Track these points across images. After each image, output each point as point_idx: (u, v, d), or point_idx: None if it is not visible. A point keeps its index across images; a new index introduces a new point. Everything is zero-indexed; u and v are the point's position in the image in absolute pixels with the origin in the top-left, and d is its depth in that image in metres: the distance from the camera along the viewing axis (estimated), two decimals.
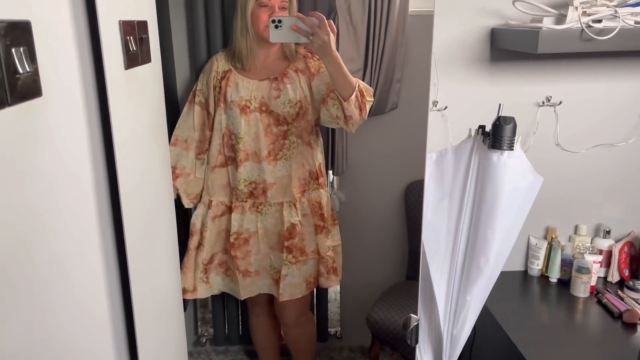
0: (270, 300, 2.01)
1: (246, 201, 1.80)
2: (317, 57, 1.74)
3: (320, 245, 1.87)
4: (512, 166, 1.17)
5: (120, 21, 1.05)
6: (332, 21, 1.44)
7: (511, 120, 1.15)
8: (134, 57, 1.14)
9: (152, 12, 1.32)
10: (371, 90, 1.68)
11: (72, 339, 0.86)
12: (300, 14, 1.45)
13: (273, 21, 1.44)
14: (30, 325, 0.73)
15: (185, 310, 2.21)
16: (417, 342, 1.19)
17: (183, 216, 2.09)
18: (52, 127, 0.78)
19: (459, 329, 1.24)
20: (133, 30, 1.13)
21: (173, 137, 1.79)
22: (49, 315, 0.78)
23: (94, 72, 0.94)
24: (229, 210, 1.82)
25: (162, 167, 1.40)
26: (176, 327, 1.54)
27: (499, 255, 1.22)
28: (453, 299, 1.25)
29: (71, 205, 0.85)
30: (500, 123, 1.15)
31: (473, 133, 1.23)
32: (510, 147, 1.15)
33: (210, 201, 1.84)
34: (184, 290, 1.91)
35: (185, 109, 1.81)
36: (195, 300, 2.38)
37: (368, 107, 1.65)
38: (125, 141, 1.06)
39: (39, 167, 0.74)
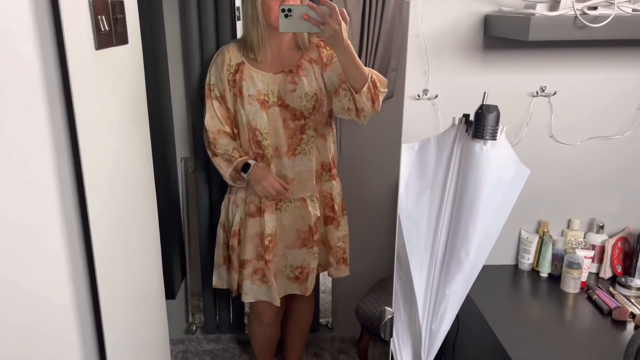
0: (279, 310, 1.97)
1: (273, 199, 1.76)
2: (329, 47, 1.69)
3: (329, 236, 1.85)
4: (495, 157, 1.14)
5: (90, 0, 1.02)
6: (344, 10, 1.39)
7: (494, 109, 1.11)
8: (106, 38, 1.11)
9: None
10: (385, 80, 1.62)
11: (29, 327, 0.84)
12: (311, 2, 1.41)
13: (283, 10, 1.39)
14: None
15: (174, 298, 2.20)
16: (391, 335, 1.17)
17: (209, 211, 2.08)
18: (4, 105, 0.75)
19: (438, 324, 1.21)
20: (106, 9, 1.10)
21: (210, 133, 1.74)
22: (3, 301, 0.76)
23: (56, 51, 0.91)
24: (259, 211, 1.78)
25: (142, 150, 1.37)
26: (156, 314, 1.52)
27: (480, 249, 1.18)
28: (432, 293, 1.22)
29: (26, 192, 0.83)
30: (483, 111, 1.11)
31: (457, 122, 1.19)
32: (493, 137, 1.11)
33: (247, 198, 1.80)
34: (233, 289, 1.90)
35: (207, 104, 1.74)
36: (186, 288, 2.36)
37: (381, 99, 1.59)
38: (93, 123, 1.03)
39: None
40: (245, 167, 1.69)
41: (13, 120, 0.78)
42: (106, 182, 1.11)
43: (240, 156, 1.71)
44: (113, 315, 1.11)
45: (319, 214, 1.79)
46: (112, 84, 1.17)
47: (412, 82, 1.58)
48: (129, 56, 1.27)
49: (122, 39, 1.20)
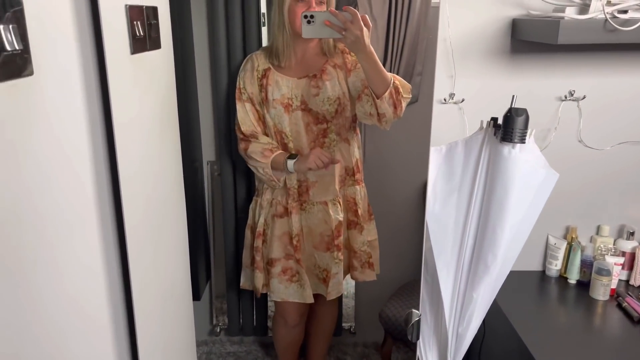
0: (304, 312, 1.99)
1: (297, 200, 1.79)
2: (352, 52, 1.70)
3: (352, 240, 1.86)
4: (524, 160, 1.13)
5: (126, 5, 1.05)
6: (366, 16, 1.40)
7: (523, 112, 1.10)
8: (141, 43, 1.14)
9: None
10: (409, 86, 1.62)
11: (65, 323, 0.87)
12: (333, 9, 1.43)
13: (305, 17, 1.42)
14: (21, 309, 0.73)
15: (199, 299, 2.23)
16: (418, 337, 1.17)
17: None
18: (47, 107, 0.78)
19: (465, 327, 1.21)
20: (141, 16, 1.13)
21: (243, 137, 1.76)
22: (40, 298, 0.78)
23: (96, 55, 0.95)
24: (286, 211, 1.81)
25: (172, 153, 1.40)
26: (183, 315, 1.54)
27: (508, 253, 1.17)
28: (459, 296, 1.22)
29: (66, 190, 0.86)
30: (512, 115, 1.11)
31: (484, 125, 1.19)
32: (522, 140, 1.11)
33: (272, 199, 1.83)
34: (257, 289, 1.91)
35: (238, 107, 1.77)
36: (210, 290, 2.39)
37: (404, 104, 1.59)
38: (128, 124, 1.06)
39: (32, 147, 0.74)
40: (292, 156, 1.71)
41: (56, 123, 0.81)
42: (140, 183, 1.14)
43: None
44: (145, 314, 1.14)
45: (340, 218, 1.79)
46: (146, 88, 1.20)
47: (439, 86, 1.58)
48: (161, 60, 1.30)
49: (156, 44, 1.24)
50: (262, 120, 1.76)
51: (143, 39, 1.15)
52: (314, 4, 1.59)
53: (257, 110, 1.76)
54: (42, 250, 0.78)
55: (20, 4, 0.69)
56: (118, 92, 0.98)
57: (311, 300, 1.84)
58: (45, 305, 0.80)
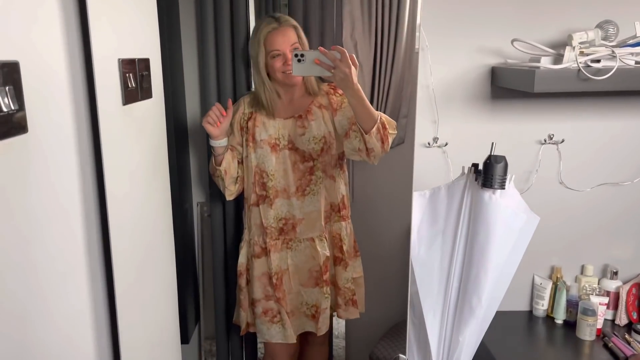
0: (293, 353, 1.98)
1: (278, 239, 1.81)
2: (339, 92, 1.77)
3: (337, 277, 1.87)
4: (505, 205, 1.16)
5: (119, 59, 1.10)
6: (353, 55, 1.46)
7: (502, 159, 1.14)
8: (133, 94, 1.18)
9: (156, 49, 1.37)
10: (394, 123, 1.67)
11: None
12: (322, 48, 1.48)
13: (296, 55, 1.48)
14: (13, 354, 0.74)
15: (188, 342, 2.20)
16: None
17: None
18: (40, 162, 0.81)
19: None
20: (133, 68, 1.18)
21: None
22: (31, 344, 0.79)
23: (88, 108, 0.98)
24: (265, 251, 1.83)
25: (162, 199, 1.43)
26: (172, 359, 1.53)
27: (492, 295, 1.19)
28: (446, 339, 1.23)
29: (58, 240, 0.87)
30: (491, 162, 1.15)
31: (466, 171, 1.23)
32: (502, 186, 1.15)
33: (250, 239, 1.86)
34: (242, 327, 1.93)
35: None
36: (199, 332, 2.37)
37: (391, 140, 1.65)
38: (119, 173, 1.09)
39: (25, 201, 0.77)
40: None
41: (49, 177, 0.84)
42: (130, 231, 1.15)
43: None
44: (132, 359, 1.14)
45: (327, 254, 1.81)
46: (137, 136, 1.23)
47: (423, 131, 1.63)
48: (153, 109, 1.33)
49: (147, 94, 1.28)
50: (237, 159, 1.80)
51: (135, 89, 1.19)
52: (289, 57, 1.66)
53: (233, 148, 1.80)
54: (34, 298, 0.80)
55: (16, 65, 0.73)
56: (109, 143, 1.01)
57: (293, 340, 1.84)
58: (36, 350, 0.80)
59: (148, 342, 1.31)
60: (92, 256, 0.99)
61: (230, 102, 1.74)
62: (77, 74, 0.94)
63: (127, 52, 1.15)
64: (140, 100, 1.22)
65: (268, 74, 1.72)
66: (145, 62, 1.25)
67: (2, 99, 0.68)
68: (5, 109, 0.68)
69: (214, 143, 1.73)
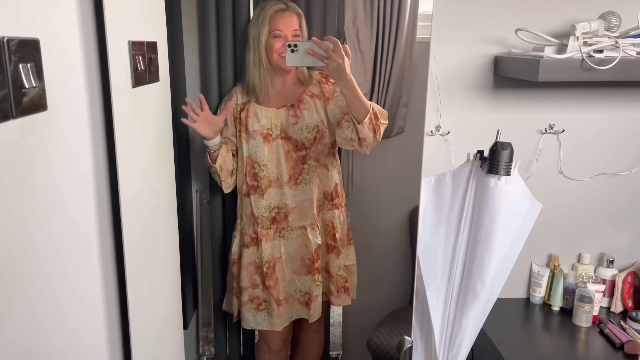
0: (287, 337, 2.01)
1: (270, 228, 1.83)
2: (331, 81, 1.78)
3: (330, 264, 1.89)
4: (510, 191, 1.18)
5: (129, 41, 1.09)
6: (346, 45, 1.47)
7: (508, 145, 1.16)
8: (142, 76, 1.18)
9: (162, 33, 1.36)
10: (385, 113, 1.70)
11: (67, 352, 0.88)
12: (315, 38, 1.49)
13: (289, 45, 1.48)
14: (26, 340, 0.74)
15: (186, 328, 2.21)
16: None
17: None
18: (56, 140, 0.81)
19: (455, 354, 1.23)
20: (142, 51, 1.18)
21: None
22: (43, 329, 0.80)
23: (101, 89, 0.98)
24: (255, 241, 1.85)
25: (168, 182, 1.43)
26: (175, 344, 1.54)
27: (495, 280, 1.21)
28: (449, 323, 1.25)
29: (72, 218, 0.88)
30: (497, 148, 1.16)
31: (471, 158, 1.25)
32: (507, 173, 1.16)
33: (242, 229, 1.87)
34: (233, 314, 1.96)
35: None
36: (197, 319, 2.38)
37: (382, 130, 1.67)
38: (130, 156, 1.09)
39: (41, 178, 0.77)
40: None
41: (66, 155, 0.84)
42: (139, 212, 1.16)
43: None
44: (140, 343, 1.15)
45: (319, 242, 1.83)
46: (145, 119, 1.23)
47: (426, 119, 1.64)
48: (159, 93, 1.33)
49: (155, 77, 1.28)
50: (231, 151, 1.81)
51: (143, 72, 1.18)
52: (290, 38, 1.66)
53: (228, 140, 1.80)
54: (46, 280, 0.80)
55: (37, 42, 0.72)
56: (121, 124, 1.01)
57: (279, 328, 1.87)
58: (48, 335, 0.81)
59: (155, 325, 1.32)
60: (103, 236, 1.00)
61: (202, 97, 1.74)
62: (90, 55, 0.93)
63: (137, 35, 1.15)
64: (148, 83, 1.22)
65: (268, 56, 1.72)
66: (153, 45, 1.25)
67: (25, 75, 0.68)
68: (27, 85, 0.68)
69: (209, 143, 1.74)
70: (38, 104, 0.72)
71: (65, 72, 0.84)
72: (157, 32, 1.31)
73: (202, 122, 1.69)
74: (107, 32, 0.93)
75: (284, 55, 1.69)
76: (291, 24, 1.69)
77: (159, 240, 1.36)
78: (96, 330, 0.99)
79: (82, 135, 0.91)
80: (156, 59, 1.28)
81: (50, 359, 0.82)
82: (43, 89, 0.73)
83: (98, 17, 0.95)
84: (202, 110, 1.70)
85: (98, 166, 0.97)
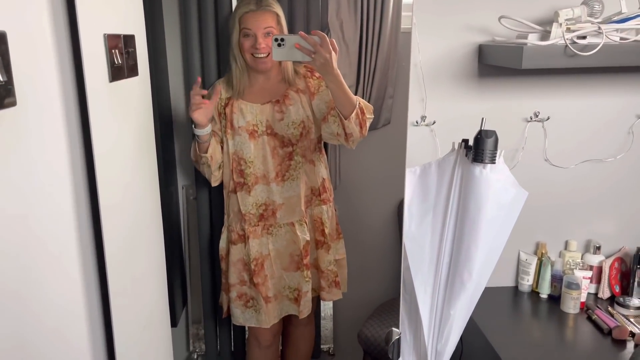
0: (277, 332, 2.00)
1: (257, 225, 1.81)
2: (316, 75, 1.76)
3: (320, 260, 1.88)
4: (495, 180, 1.18)
5: (105, 34, 1.07)
6: (334, 40, 1.45)
7: (492, 133, 1.15)
8: (120, 71, 1.15)
9: (141, 26, 1.34)
10: (371, 107, 1.70)
11: (48, 352, 0.86)
12: (302, 32, 1.47)
13: (276, 39, 1.46)
14: (6, 339, 0.72)
15: (176, 325, 2.20)
16: (399, 356, 1.18)
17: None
18: (28, 136, 0.79)
19: (443, 344, 1.23)
20: (119, 44, 1.15)
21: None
22: (24, 329, 0.78)
23: (75, 84, 0.95)
24: (243, 238, 1.83)
25: (150, 178, 1.41)
26: (162, 342, 1.52)
27: (482, 269, 1.21)
28: (437, 313, 1.24)
29: (47, 217, 0.85)
30: (482, 136, 1.15)
31: (456, 147, 1.24)
32: (492, 161, 1.16)
33: (230, 226, 1.86)
34: (223, 309, 1.96)
35: None
36: (187, 316, 2.36)
37: (368, 124, 1.67)
38: (108, 152, 1.07)
39: (13, 176, 0.75)
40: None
41: (38, 151, 0.82)
42: (119, 210, 1.13)
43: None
44: (124, 342, 1.13)
45: (308, 238, 1.82)
46: (124, 114, 1.21)
47: (411, 109, 1.63)
48: (139, 87, 1.31)
49: (133, 71, 1.25)
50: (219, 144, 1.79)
51: (121, 66, 1.16)
52: (260, 37, 1.65)
53: (215, 134, 1.78)
54: (21, 278, 0.78)
55: (3, 35, 0.70)
56: (97, 120, 0.99)
57: (267, 325, 1.86)
58: (25, 334, 0.79)
59: (139, 324, 1.30)
60: (82, 234, 0.98)
61: (199, 80, 1.70)
62: (63, 48, 0.91)
63: (113, 28, 1.12)
64: (126, 77, 1.19)
65: (242, 55, 1.71)
66: (130, 39, 1.22)
67: None
68: None
69: (201, 131, 1.70)
70: (6, 100, 0.70)
71: (36, 66, 0.82)
72: (135, 25, 1.29)
73: (196, 108, 1.65)
74: (79, 24, 0.91)
75: (257, 55, 1.68)
76: (262, 21, 1.67)
77: (143, 237, 1.34)
78: (77, 328, 0.97)
79: (57, 131, 0.89)
80: (134, 52, 1.25)
81: (32, 358, 0.80)
82: (11, 84, 0.71)
83: (70, 9, 0.92)
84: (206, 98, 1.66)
85: (75, 162, 0.95)
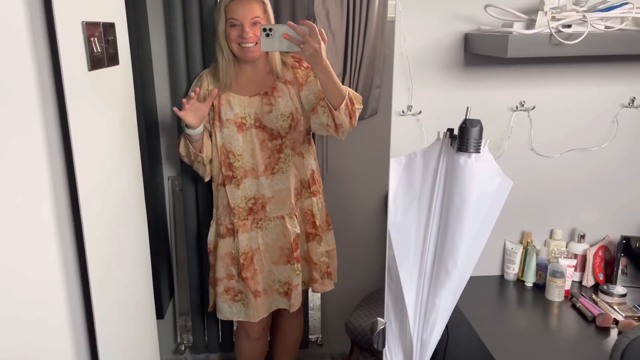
0: (266, 324, 1.99)
1: (247, 218, 1.79)
2: (304, 65, 1.74)
3: (312, 252, 1.87)
4: (480, 169, 1.17)
5: (83, 22, 1.05)
6: (322, 30, 1.44)
7: (477, 122, 1.15)
8: (99, 59, 1.13)
9: (122, 14, 1.31)
10: (360, 97, 1.68)
11: (27, 347, 0.85)
12: (291, 22, 1.45)
13: (264, 29, 1.44)
14: None
15: (163, 317, 2.19)
16: (383, 345, 1.18)
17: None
18: (2, 125, 0.77)
19: (429, 333, 1.23)
20: (98, 32, 1.13)
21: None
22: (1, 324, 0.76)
23: (52, 73, 0.93)
24: (231, 232, 1.81)
25: (133, 169, 1.39)
26: (147, 334, 1.51)
27: (467, 258, 1.21)
28: (422, 302, 1.25)
29: (23, 207, 0.84)
30: (467, 125, 1.15)
31: (441, 136, 1.23)
32: (477, 150, 1.15)
33: (218, 219, 1.84)
34: (210, 304, 1.95)
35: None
36: (174, 308, 2.35)
37: (357, 115, 1.66)
38: (87, 142, 1.05)
39: None
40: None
41: (13, 143, 0.80)
42: (100, 199, 1.12)
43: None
44: (107, 334, 1.12)
45: (298, 231, 1.81)
46: (105, 104, 1.19)
47: (397, 99, 1.62)
48: (120, 76, 1.29)
49: (114, 60, 1.23)
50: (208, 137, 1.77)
51: (101, 55, 1.14)
52: (246, 27, 1.63)
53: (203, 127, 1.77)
54: (2, 274, 0.76)
55: None
56: (76, 110, 0.97)
57: (256, 319, 1.85)
58: (7, 326, 0.78)
59: (123, 316, 1.29)
60: (61, 225, 0.96)
61: (198, 90, 1.70)
62: (39, 37, 0.89)
63: (92, 16, 1.10)
64: (106, 66, 1.17)
65: (228, 45, 1.69)
66: (111, 27, 1.20)
67: None
68: None
69: (192, 132, 1.69)
70: None
71: (9, 55, 0.80)
72: (115, 12, 1.26)
73: (189, 109, 1.64)
74: (54, 11, 0.89)
75: (244, 45, 1.66)
76: (249, 12, 1.64)
77: (126, 228, 1.32)
78: (57, 318, 0.96)
79: (34, 120, 0.87)
80: (115, 40, 1.23)
81: (8, 353, 0.78)
82: None
83: None
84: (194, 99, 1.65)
85: (52, 152, 0.93)
